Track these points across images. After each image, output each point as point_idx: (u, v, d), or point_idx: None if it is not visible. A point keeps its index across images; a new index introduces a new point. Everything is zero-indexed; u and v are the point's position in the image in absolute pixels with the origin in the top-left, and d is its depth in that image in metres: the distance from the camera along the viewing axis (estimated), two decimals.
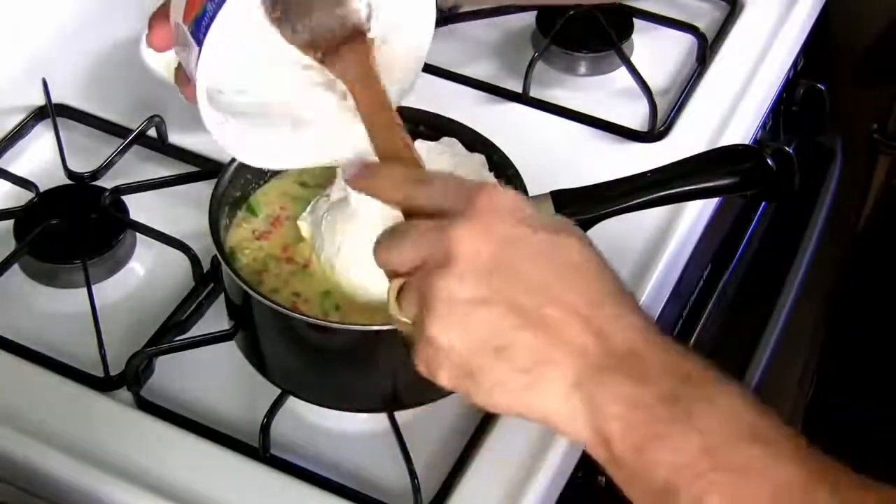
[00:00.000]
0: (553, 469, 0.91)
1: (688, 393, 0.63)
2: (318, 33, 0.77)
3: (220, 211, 0.91)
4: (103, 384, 0.95)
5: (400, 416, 0.91)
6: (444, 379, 0.68)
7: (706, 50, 1.24)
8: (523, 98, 1.20)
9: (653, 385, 0.63)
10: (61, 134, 1.12)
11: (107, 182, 1.08)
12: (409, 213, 0.72)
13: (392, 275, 0.71)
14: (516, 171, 0.93)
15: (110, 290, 1.03)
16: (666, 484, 0.62)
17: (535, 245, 0.67)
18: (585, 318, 0.65)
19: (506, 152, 0.94)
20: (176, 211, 1.07)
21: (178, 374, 0.97)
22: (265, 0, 0.77)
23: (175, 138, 1.14)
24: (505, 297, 0.66)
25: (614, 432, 0.63)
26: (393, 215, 0.85)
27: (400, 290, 0.70)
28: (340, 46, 0.78)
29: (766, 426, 0.63)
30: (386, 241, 0.71)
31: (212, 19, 0.76)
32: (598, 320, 0.65)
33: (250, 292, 0.86)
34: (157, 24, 0.81)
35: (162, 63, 1.17)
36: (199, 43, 0.77)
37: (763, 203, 1.34)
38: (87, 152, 1.12)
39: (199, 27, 0.78)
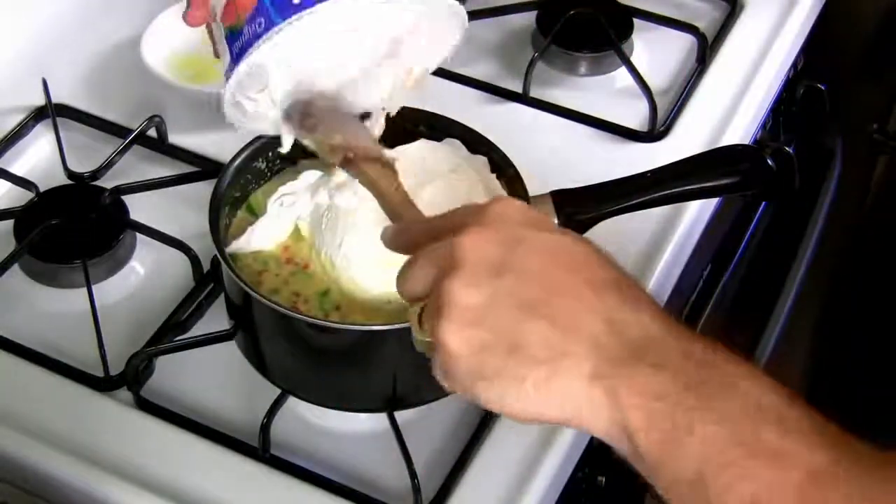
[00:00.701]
0: (553, 469, 0.91)
1: (707, 378, 0.63)
2: (344, 145, 0.84)
3: (220, 211, 0.91)
4: (103, 384, 0.95)
5: (400, 416, 0.91)
6: (460, 386, 0.67)
7: (706, 50, 1.24)
8: (523, 98, 1.20)
9: (671, 372, 0.63)
10: (61, 134, 1.12)
11: (107, 182, 1.08)
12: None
13: (413, 301, 0.71)
14: (516, 171, 0.93)
15: (110, 290, 1.03)
16: (695, 474, 0.61)
17: (541, 242, 0.68)
18: (595, 308, 0.65)
19: (506, 152, 0.94)
20: (176, 211, 1.07)
21: (178, 374, 0.97)
22: (296, 110, 0.85)
23: (175, 138, 1.14)
24: (512, 294, 0.65)
25: (637, 424, 0.62)
26: None
27: (421, 313, 0.70)
28: (361, 161, 0.84)
29: (790, 410, 0.62)
30: (402, 269, 0.71)
31: (244, 50, 0.81)
32: (608, 310, 0.65)
33: (250, 292, 0.86)
34: (196, 3, 0.84)
35: (162, 63, 1.18)
36: (234, 60, 0.82)
37: (763, 203, 1.34)
38: (87, 152, 1.12)
39: (234, 42, 0.82)
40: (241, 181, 0.95)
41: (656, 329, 0.65)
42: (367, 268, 0.88)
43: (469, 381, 0.67)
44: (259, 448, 0.91)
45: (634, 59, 1.23)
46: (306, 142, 0.88)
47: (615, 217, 0.93)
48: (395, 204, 0.81)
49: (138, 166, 1.12)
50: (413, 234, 0.76)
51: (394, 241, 0.77)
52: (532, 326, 0.65)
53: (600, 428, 0.64)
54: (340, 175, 0.91)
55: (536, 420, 0.67)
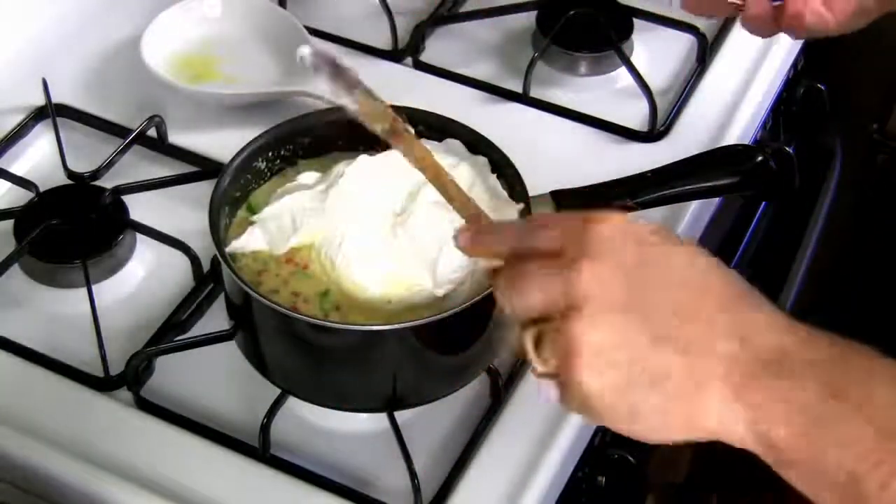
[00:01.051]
0: (553, 469, 0.91)
1: (846, 381, 0.63)
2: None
3: (220, 211, 0.91)
4: (103, 384, 0.95)
5: (400, 416, 0.91)
6: (598, 419, 0.67)
7: (706, 50, 1.24)
8: (523, 98, 1.20)
9: (808, 380, 0.63)
10: (61, 134, 1.12)
11: (107, 182, 1.08)
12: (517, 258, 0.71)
13: (525, 322, 0.69)
14: (516, 171, 0.93)
15: (110, 290, 1.03)
16: (847, 475, 0.61)
17: (660, 262, 0.67)
18: (728, 329, 0.65)
19: (506, 152, 0.94)
20: (176, 211, 1.07)
21: (178, 374, 0.97)
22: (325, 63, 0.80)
23: (175, 138, 1.14)
24: (644, 329, 0.65)
25: (781, 435, 0.63)
26: (394, 211, 0.85)
27: (536, 338, 0.69)
28: (405, 134, 0.81)
29: None
30: (508, 286, 0.70)
31: None
32: (738, 325, 0.65)
33: (250, 292, 0.85)
34: None
35: (162, 63, 1.18)
36: None
37: (763, 203, 1.34)
38: (87, 152, 1.12)
39: None
40: (241, 181, 0.95)
41: (786, 337, 0.65)
42: (367, 268, 0.88)
43: (611, 417, 0.67)
44: (259, 448, 0.91)
45: (634, 59, 1.23)
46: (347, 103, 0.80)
47: None
48: (447, 182, 0.78)
49: (138, 166, 1.12)
50: (493, 242, 0.73)
51: (475, 243, 0.74)
52: (669, 360, 0.65)
53: (746, 445, 0.65)
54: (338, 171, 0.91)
55: (686, 440, 0.67)
